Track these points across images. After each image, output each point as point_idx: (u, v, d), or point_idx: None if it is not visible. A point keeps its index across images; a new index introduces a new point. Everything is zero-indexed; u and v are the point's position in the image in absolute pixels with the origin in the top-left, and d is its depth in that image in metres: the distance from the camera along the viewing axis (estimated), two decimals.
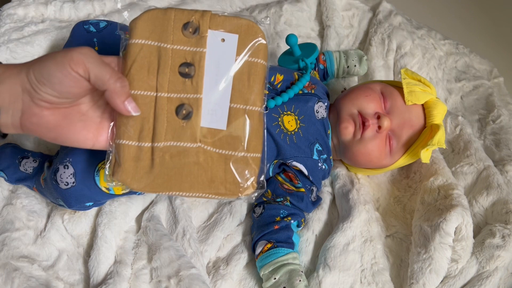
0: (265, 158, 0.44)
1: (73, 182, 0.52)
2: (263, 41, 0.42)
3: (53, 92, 0.36)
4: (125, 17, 0.43)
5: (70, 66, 0.35)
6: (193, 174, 0.41)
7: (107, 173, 0.41)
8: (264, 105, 0.43)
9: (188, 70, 0.41)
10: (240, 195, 0.42)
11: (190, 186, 0.41)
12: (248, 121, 0.42)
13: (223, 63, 0.41)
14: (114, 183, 0.41)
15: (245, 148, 0.42)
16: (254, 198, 0.43)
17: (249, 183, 0.42)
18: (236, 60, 0.42)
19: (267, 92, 0.44)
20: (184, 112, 0.41)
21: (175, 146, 0.41)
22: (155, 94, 0.40)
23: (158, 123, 0.40)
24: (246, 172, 0.42)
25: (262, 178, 0.43)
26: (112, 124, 0.41)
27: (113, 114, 0.41)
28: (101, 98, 0.41)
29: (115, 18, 0.77)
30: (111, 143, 0.41)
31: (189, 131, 0.41)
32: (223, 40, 0.41)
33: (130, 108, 0.39)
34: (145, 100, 0.40)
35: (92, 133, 0.40)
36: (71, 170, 0.52)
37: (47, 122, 0.37)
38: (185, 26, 0.41)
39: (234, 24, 0.41)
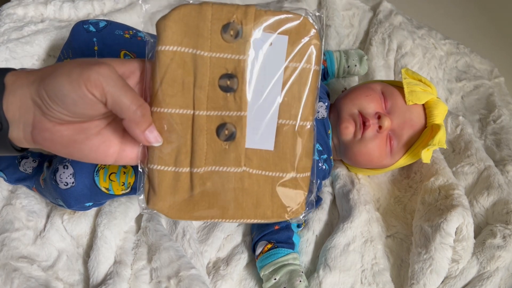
0: (315, 175, 0.39)
1: (73, 182, 0.52)
2: (317, 42, 0.35)
3: (66, 112, 0.32)
4: (144, 10, 0.36)
5: (86, 87, 0.31)
6: (237, 200, 0.37)
7: (140, 198, 0.36)
8: (315, 118, 0.38)
9: (230, 82, 0.35)
10: (287, 218, 0.38)
11: (234, 213, 0.37)
12: (298, 139, 0.37)
13: (270, 72, 0.35)
14: (149, 211, 0.37)
15: (295, 169, 0.37)
16: (302, 218, 0.39)
17: (297, 205, 0.38)
18: (285, 67, 0.35)
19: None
20: (226, 132, 0.35)
21: (217, 172, 0.36)
22: (192, 112, 0.35)
23: (197, 145, 0.35)
24: (295, 193, 0.37)
25: (311, 197, 0.39)
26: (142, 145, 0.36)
27: None
28: None
29: (115, 18, 0.77)
30: (143, 167, 0.36)
31: (232, 154, 0.36)
32: (270, 44, 0.35)
33: (151, 138, 0.34)
34: (181, 119, 0.35)
35: (113, 148, 0.36)
36: (70, 170, 0.52)
37: (61, 137, 0.34)
38: (225, 28, 0.34)
39: (282, 21, 0.34)
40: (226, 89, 0.35)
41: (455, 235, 0.58)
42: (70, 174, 0.52)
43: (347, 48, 0.89)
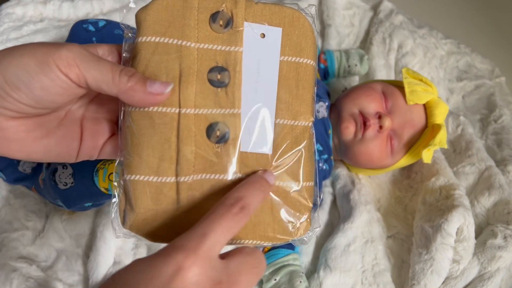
0: (318, 186, 0.34)
1: (72, 183, 0.52)
2: (312, 36, 0.33)
3: (30, 100, 0.27)
4: (133, 7, 0.33)
5: (58, 68, 0.26)
6: None
7: (113, 217, 0.30)
8: (314, 118, 0.34)
9: (221, 76, 0.31)
10: (292, 238, 0.32)
11: None
12: (299, 141, 0.33)
13: (264, 66, 0.32)
14: (123, 234, 0.30)
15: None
16: (306, 239, 0.33)
17: (302, 220, 0.32)
18: (280, 61, 0.32)
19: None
20: (218, 133, 0.31)
21: (207, 180, 0.31)
22: (177, 111, 0.30)
23: (184, 149, 0.30)
24: (298, 207, 0.32)
25: (316, 213, 0.34)
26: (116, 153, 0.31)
27: (116, 131, 0.31)
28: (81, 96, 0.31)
29: (114, 17, 0.77)
30: (117, 180, 0.30)
31: (225, 159, 0.31)
32: (263, 35, 0.32)
33: (159, 89, 0.28)
34: (164, 119, 0.30)
35: (76, 142, 0.31)
36: (69, 170, 0.52)
37: (16, 134, 0.28)
38: (214, 17, 0.31)
39: (274, 14, 0.32)
40: (216, 84, 0.31)
41: (456, 235, 0.58)
42: (69, 174, 0.52)
43: (348, 47, 0.89)
